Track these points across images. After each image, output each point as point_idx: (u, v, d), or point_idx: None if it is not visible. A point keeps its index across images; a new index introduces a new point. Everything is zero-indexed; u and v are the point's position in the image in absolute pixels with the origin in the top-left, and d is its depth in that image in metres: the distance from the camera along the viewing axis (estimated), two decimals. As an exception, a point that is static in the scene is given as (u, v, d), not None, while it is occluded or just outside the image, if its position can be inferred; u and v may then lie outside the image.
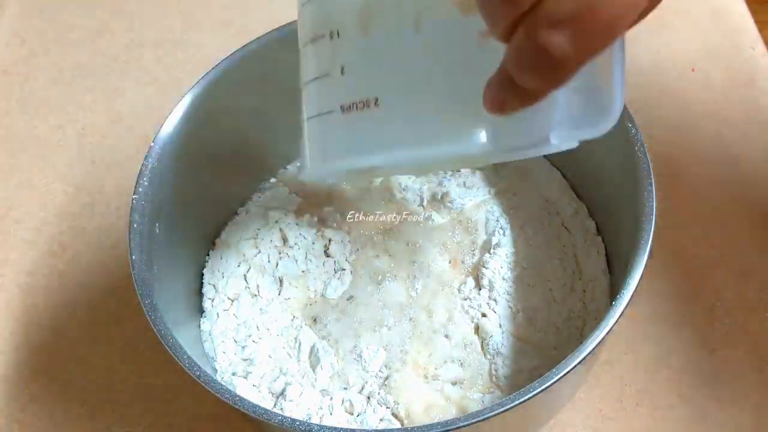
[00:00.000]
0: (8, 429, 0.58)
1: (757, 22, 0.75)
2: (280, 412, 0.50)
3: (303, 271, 0.57)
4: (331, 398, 0.51)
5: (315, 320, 0.55)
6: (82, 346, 0.61)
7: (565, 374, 0.41)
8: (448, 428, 0.40)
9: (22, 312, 0.63)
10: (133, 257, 0.47)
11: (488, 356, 0.52)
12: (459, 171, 0.61)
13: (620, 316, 0.42)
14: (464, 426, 0.40)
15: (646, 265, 0.44)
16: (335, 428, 0.47)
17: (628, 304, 0.43)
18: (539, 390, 0.40)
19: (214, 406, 0.57)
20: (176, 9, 0.81)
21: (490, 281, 0.55)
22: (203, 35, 0.78)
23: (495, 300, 0.54)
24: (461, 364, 0.52)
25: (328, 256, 0.58)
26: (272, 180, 0.63)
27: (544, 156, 0.61)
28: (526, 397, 0.40)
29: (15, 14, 0.81)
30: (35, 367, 0.60)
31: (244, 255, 0.57)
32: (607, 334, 0.42)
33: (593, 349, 0.41)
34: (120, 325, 0.61)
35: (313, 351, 0.53)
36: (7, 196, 0.69)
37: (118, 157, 0.70)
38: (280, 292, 0.56)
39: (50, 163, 0.71)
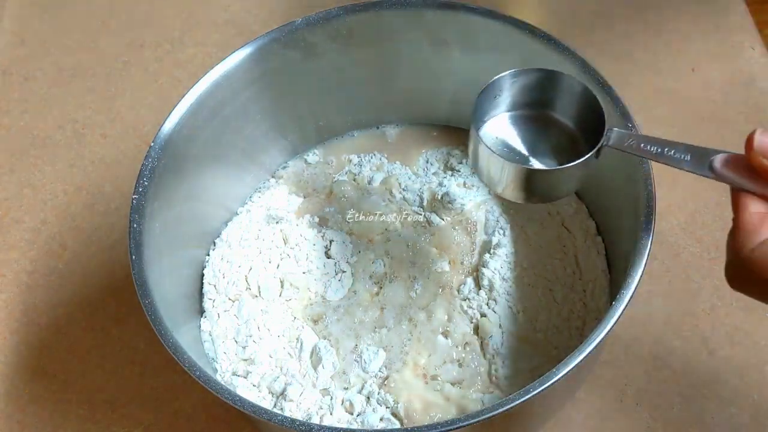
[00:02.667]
0: (8, 429, 0.58)
1: (757, 22, 0.75)
2: (280, 412, 0.50)
3: (304, 272, 0.57)
4: (332, 398, 0.51)
5: (316, 321, 0.55)
6: (82, 346, 0.61)
7: (565, 374, 0.41)
8: (448, 428, 0.40)
9: (22, 312, 0.63)
10: (133, 257, 0.47)
11: (487, 356, 0.52)
12: (458, 171, 0.61)
13: (620, 316, 0.42)
14: (464, 426, 0.40)
15: (645, 265, 0.44)
16: (335, 428, 0.47)
17: (628, 304, 0.43)
18: (539, 390, 0.40)
19: (214, 406, 0.57)
20: (176, 9, 0.81)
21: (490, 281, 0.55)
22: (203, 35, 0.78)
23: (495, 300, 0.54)
24: (460, 364, 0.52)
25: (328, 257, 0.58)
26: (272, 180, 0.63)
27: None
28: (526, 397, 0.40)
29: (15, 14, 0.81)
30: (35, 367, 0.60)
31: (245, 255, 0.57)
32: (607, 334, 0.42)
33: (593, 349, 0.41)
34: (120, 325, 0.61)
35: (315, 350, 0.53)
36: (7, 196, 0.69)
37: (118, 157, 0.70)
38: (281, 293, 0.56)
39: (50, 163, 0.71)
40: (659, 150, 0.43)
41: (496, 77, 0.47)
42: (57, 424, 0.58)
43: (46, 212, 0.68)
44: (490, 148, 0.45)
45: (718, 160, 0.41)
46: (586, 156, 0.44)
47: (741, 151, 0.39)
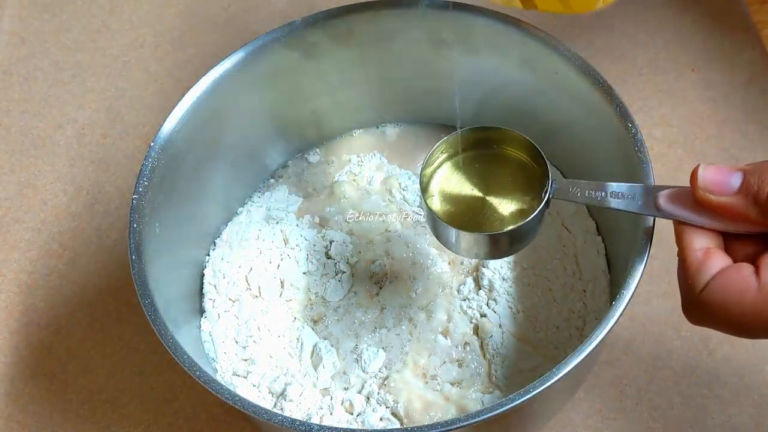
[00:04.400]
0: (8, 429, 0.58)
1: (757, 22, 0.75)
2: (280, 412, 0.50)
3: (304, 273, 0.57)
4: (332, 398, 0.51)
5: (316, 321, 0.55)
6: (82, 346, 0.61)
7: (565, 374, 0.41)
8: (448, 428, 0.40)
9: (22, 312, 0.63)
10: (133, 257, 0.47)
11: (487, 356, 0.52)
12: None
13: (620, 316, 0.42)
14: (464, 426, 0.40)
15: (645, 265, 0.44)
16: (335, 428, 0.47)
17: (628, 304, 0.43)
18: (539, 390, 0.40)
19: (214, 406, 0.57)
20: (176, 9, 0.81)
21: (489, 281, 0.55)
22: (203, 35, 0.78)
23: (495, 300, 0.54)
24: (460, 364, 0.52)
25: (328, 257, 0.58)
26: (272, 180, 0.63)
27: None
28: (526, 397, 0.40)
29: (15, 14, 0.81)
30: (35, 367, 0.60)
31: (245, 256, 0.57)
32: (607, 334, 0.42)
33: (593, 349, 0.41)
34: (120, 325, 0.61)
35: (315, 350, 0.53)
36: (7, 196, 0.69)
37: (118, 157, 0.70)
38: (281, 293, 0.56)
39: (50, 163, 0.71)
40: (603, 195, 0.43)
41: (436, 145, 0.48)
42: (57, 424, 0.58)
43: (46, 212, 0.68)
44: (441, 219, 0.45)
45: (662, 197, 0.41)
46: (536, 212, 0.44)
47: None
